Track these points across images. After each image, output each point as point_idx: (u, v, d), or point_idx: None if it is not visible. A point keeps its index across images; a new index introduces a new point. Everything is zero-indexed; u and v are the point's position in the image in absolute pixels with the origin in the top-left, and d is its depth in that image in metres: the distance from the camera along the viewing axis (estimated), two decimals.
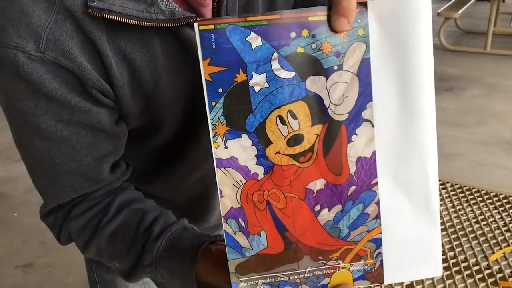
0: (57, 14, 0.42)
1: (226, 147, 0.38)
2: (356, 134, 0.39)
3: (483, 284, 0.80)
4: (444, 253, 0.87)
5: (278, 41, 0.36)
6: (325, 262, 0.42)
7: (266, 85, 0.37)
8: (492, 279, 0.81)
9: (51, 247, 1.82)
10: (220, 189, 0.39)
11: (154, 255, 0.48)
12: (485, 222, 0.95)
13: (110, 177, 0.52)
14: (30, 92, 0.43)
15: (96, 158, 0.49)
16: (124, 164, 0.54)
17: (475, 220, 0.96)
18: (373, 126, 0.39)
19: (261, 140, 0.38)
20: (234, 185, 0.39)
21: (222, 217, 0.40)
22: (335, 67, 0.37)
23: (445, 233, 0.92)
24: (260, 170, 0.39)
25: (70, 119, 0.45)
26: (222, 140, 0.38)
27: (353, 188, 0.40)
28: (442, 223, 0.94)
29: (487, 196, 1.04)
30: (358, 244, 0.41)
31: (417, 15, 0.36)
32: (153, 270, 0.49)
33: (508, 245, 0.88)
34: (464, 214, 0.98)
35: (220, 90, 0.37)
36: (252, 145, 0.38)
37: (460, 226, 0.94)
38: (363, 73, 0.38)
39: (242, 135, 0.38)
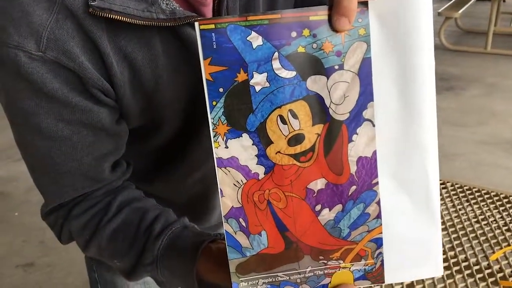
0: (57, 13, 0.42)
1: (226, 147, 0.38)
2: (357, 134, 0.39)
3: (484, 283, 0.80)
4: (444, 252, 0.87)
5: (279, 40, 0.36)
6: (325, 262, 0.42)
7: (267, 84, 0.37)
8: (493, 279, 0.81)
9: (51, 247, 1.82)
10: (220, 189, 0.39)
11: (155, 254, 0.48)
12: (485, 222, 0.95)
13: (110, 176, 0.52)
14: (31, 91, 0.43)
15: (97, 158, 0.49)
16: (124, 163, 0.54)
17: (475, 219, 0.96)
18: (374, 125, 0.39)
19: (262, 139, 0.38)
20: (234, 184, 0.39)
21: (222, 217, 0.40)
22: (336, 67, 0.37)
23: (445, 232, 0.92)
24: (260, 170, 0.39)
25: (71, 119, 0.45)
26: (223, 140, 0.38)
27: (353, 187, 0.40)
28: (443, 223, 0.94)
29: (487, 195, 1.04)
30: (359, 244, 0.41)
31: (418, 14, 0.36)
32: (154, 269, 0.49)
33: (509, 245, 0.88)
34: (465, 214, 0.98)
35: (221, 90, 0.37)
36: (252, 144, 0.38)
37: (461, 226, 0.94)
38: (364, 72, 0.38)
39: (242, 134, 0.38)
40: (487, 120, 2.70)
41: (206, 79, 0.37)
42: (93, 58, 0.44)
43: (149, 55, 0.46)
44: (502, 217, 0.96)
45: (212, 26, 0.36)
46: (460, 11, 3.72)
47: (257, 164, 0.39)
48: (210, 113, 0.37)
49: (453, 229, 0.93)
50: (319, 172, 0.39)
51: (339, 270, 0.42)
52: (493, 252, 0.87)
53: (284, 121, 0.38)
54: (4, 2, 0.42)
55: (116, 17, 0.41)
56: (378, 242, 0.41)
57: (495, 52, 3.72)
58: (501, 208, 0.99)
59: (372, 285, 0.43)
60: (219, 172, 0.39)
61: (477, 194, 1.04)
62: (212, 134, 0.38)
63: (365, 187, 0.40)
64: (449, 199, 1.03)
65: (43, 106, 0.44)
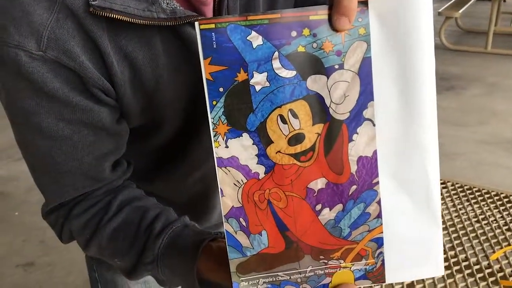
0: (58, 13, 0.42)
1: (227, 147, 0.38)
2: (357, 133, 0.39)
3: (484, 283, 0.80)
4: (444, 252, 0.87)
5: (279, 40, 0.36)
6: (326, 261, 0.42)
7: (267, 84, 0.37)
8: (493, 278, 0.81)
9: (51, 246, 1.82)
10: (221, 189, 0.39)
11: (155, 253, 0.48)
12: (485, 221, 0.95)
13: (111, 175, 0.52)
14: (32, 91, 0.43)
15: (97, 157, 0.49)
16: (125, 162, 0.54)
17: (475, 219, 0.96)
18: (374, 125, 0.39)
19: (262, 139, 0.38)
20: (235, 184, 0.39)
21: (223, 217, 0.40)
22: (336, 66, 0.37)
23: (446, 232, 0.92)
24: (261, 170, 0.39)
25: (72, 118, 0.45)
26: (223, 140, 0.38)
27: (354, 187, 0.40)
28: (443, 222, 0.94)
29: (487, 195, 1.04)
30: (359, 243, 0.41)
31: (418, 13, 0.36)
32: (155, 268, 0.49)
33: (509, 244, 0.88)
34: (465, 213, 0.98)
35: (221, 89, 0.37)
36: (253, 144, 0.38)
37: (461, 225, 0.94)
38: (364, 72, 0.37)
39: (243, 134, 0.38)
40: (487, 120, 2.70)
41: (206, 79, 0.37)
42: (93, 57, 0.44)
43: (150, 54, 0.46)
44: (502, 216, 0.96)
45: (212, 25, 0.35)
46: (461, 10, 3.71)
47: (257, 163, 0.39)
48: (210, 112, 0.37)
49: (453, 228, 0.93)
50: (319, 171, 0.39)
51: (339, 269, 0.42)
52: (494, 252, 0.87)
53: (284, 121, 0.38)
54: (5, 1, 0.42)
55: (116, 16, 0.41)
56: (379, 242, 0.41)
57: (495, 52, 3.72)
58: (501, 208, 0.99)
59: (373, 284, 0.43)
60: (219, 172, 0.39)
61: (477, 193, 1.04)
62: (212, 133, 0.38)
63: (365, 186, 0.40)
64: (449, 198, 1.03)
65: (44, 105, 0.44)
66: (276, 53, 0.36)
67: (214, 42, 0.36)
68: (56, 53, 0.42)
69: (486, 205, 1.00)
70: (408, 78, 0.38)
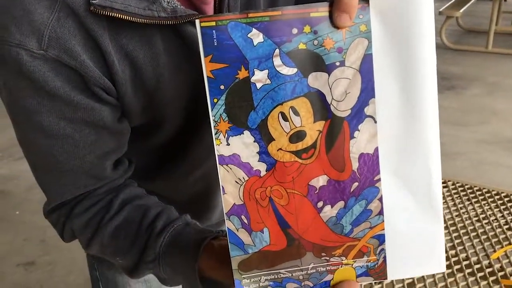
0: (59, 12, 0.42)
1: (228, 144, 0.38)
2: (359, 130, 0.39)
3: (485, 282, 0.80)
4: (445, 251, 0.87)
5: (280, 37, 0.36)
6: (328, 258, 0.42)
7: (268, 81, 0.37)
8: (494, 277, 0.81)
9: (52, 246, 1.83)
10: (222, 186, 0.39)
11: (156, 251, 0.48)
12: (486, 221, 0.95)
13: (112, 174, 0.52)
14: (33, 89, 0.43)
15: (99, 156, 0.49)
16: (126, 161, 0.54)
17: (476, 218, 0.96)
18: (375, 122, 0.39)
19: (263, 136, 0.38)
20: (236, 182, 0.39)
21: (224, 214, 0.40)
22: (337, 63, 0.37)
23: (446, 231, 0.92)
24: (262, 167, 0.39)
25: (73, 117, 0.45)
26: (224, 137, 0.38)
27: (355, 184, 0.40)
28: (444, 222, 0.94)
29: (488, 194, 1.04)
30: (361, 240, 0.41)
31: (419, 10, 0.36)
32: (156, 266, 0.49)
33: (510, 243, 0.88)
34: (466, 213, 0.98)
35: (222, 87, 0.37)
36: (254, 141, 0.38)
37: (462, 225, 0.94)
38: (365, 69, 0.37)
39: (244, 132, 0.38)
40: (488, 119, 2.70)
41: (207, 77, 0.37)
42: (94, 56, 0.44)
43: (151, 53, 0.46)
44: (503, 215, 0.96)
45: (213, 23, 0.36)
46: (461, 10, 3.71)
47: (258, 161, 0.39)
48: (211, 110, 0.37)
49: (454, 227, 0.93)
50: (320, 169, 0.39)
51: (341, 266, 0.42)
52: (494, 251, 0.87)
53: (285, 118, 0.38)
54: (6, 0, 0.42)
55: (117, 15, 0.41)
56: (381, 239, 0.41)
57: (496, 51, 3.72)
58: (502, 207, 0.99)
59: (374, 281, 0.43)
60: (220, 170, 0.39)
61: (478, 193, 1.04)
62: (213, 131, 0.38)
63: (367, 183, 0.40)
64: (450, 198, 1.03)
65: (45, 104, 0.44)
66: (277, 51, 0.36)
67: (215, 40, 0.36)
68: (57, 52, 0.42)
69: (486, 204, 1.00)
70: (410, 75, 0.38)
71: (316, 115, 0.38)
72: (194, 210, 0.59)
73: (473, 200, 1.02)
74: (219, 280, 0.46)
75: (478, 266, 0.84)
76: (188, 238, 0.49)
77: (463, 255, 0.86)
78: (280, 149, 0.39)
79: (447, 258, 0.85)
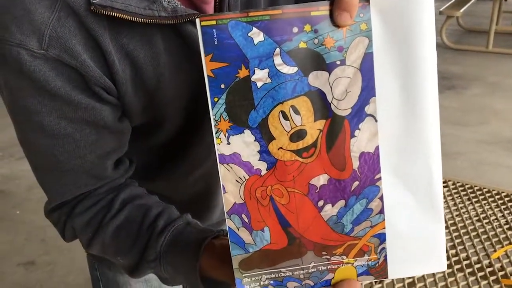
0: (59, 11, 0.42)
1: (228, 143, 0.38)
2: (359, 129, 0.39)
3: (485, 282, 0.80)
4: (446, 250, 0.87)
5: (281, 36, 0.36)
6: (328, 257, 0.42)
7: (269, 80, 0.37)
8: (494, 277, 0.81)
9: (52, 245, 1.83)
10: (223, 185, 0.39)
11: (158, 251, 0.48)
12: (486, 220, 0.95)
13: (113, 174, 0.52)
14: (34, 89, 0.43)
15: (99, 155, 0.49)
16: (127, 160, 0.54)
17: (476, 218, 0.96)
18: (376, 121, 0.39)
19: (264, 135, 0.38)
20: (237, 181, 0.39)
21: (225, 213, 0.40)
22: (338, 62, 0.37)
23: (447, 231, 0.92)
24: (263, 166, 0.39)
25: (74, 117, 0.45)
26: (225, 136, 0.38)
27: (356, 183, 0.40)
28: (444, 221, 0.94)
29: (488, 194, 1.04)
30: (362, 239, 0.41)
31: (419, 8, 0.36)
32: (157, 266, 0.49)
33: (510, 243, 0.88)
34: (466, 212, 0.98)
35: (222, 86, 0.37)
36: (254, 140, 0.38)
37: (462, 224, 0.94)
38: (366, 67, 0.37)
39: (244, 131, 0.38)
40: (488, 119, 2.70)
41: (208, 76, 0.37)
42: (95, 56, 0.44)
43: (151, 53, 0.46)
44: (503, 215, 0.96)
45: (213, 22, 0.36)
46: (462, 10, 3.71)
47: (259, 160, 0.39)
48: (212, 109, 0.37)
49: (454, 227, 0.93)
50: (321, 167, 0.39)
51: (342, 265, 0.42)
52: (495, 251, 0.87)
53: (286, 117, 0.38)
54: (6, 0, 0.42)
55: (118, 15, 0.41)
56: (381, 238, 0.41)
57: (496, 51, 3.72)
58: (502, 207, 0.99)
59: (375, 280, 0.43)
60: (221, 168, 0.39)
61: (478, 192, 1.04)
62: (214, 130, 0.38)
63: (367, 182, 0.40)
64: (450, 197, 1.03)
65: (46, 104, 0.44)
66: (278, 49, 0.36)
67: (215, 39, 0.36)
68: (57, 51, 0.42)
69: (487, 204, 1.00)
70: (410, 74, 0.38)
71: (316, 114, 0.38)
72: (194, 210, 0.59)
73: (474, 200, 1.02)
74: (220, 279, 0.46)
75: (478, 265, 0.84)
76: (189, 237, 0.49)
77: (463, 255, 0.86)
78: (281, 148, 0.39)
79: (448, 258, 0.85)
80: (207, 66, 0.36)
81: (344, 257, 0.42)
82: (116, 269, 0.69)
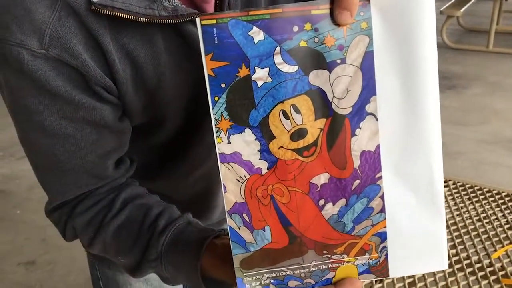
0: (60, 11, 0.42)
1: (229, 142, 0.38)
2: (360, 128, 0.39)
3: (485, 281, 0.80)
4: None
5: (281, 35, 0.36)
6: (329, 256, 0.42)
7: (269, 79, 0.37)
8: (494, 277, 0.81)
9: (53, 245, 1.83)
10: (223, 184, 0.39)
11: (159, 250, 0.48)
12: (487, 220, 0.95)
13: (114, 173, 0.52)
14: (34, 89, 0.43)
15: (100, 155, 0.49)
16: (128, 160, 0.54)
17: (477, 218, 0.96)
18: (377, 119, 0.39)
19: (265, 134, 0.38)
20: (237, 180, 0.39)
21: (226, 212, 0.40)
22: (338, 61, 0.37)
23: (447, 230, 0.92)
24: (263, 165, 0.39)
25: (74, 116, 0.45)
26: (225, 135, 0.38)
27: (357, 182, 0.40)
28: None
29: (489, 194, 1.04)
30: (363, 238, 0.41)
31: (420, 7, 0.36)
32: (159, 265, 0.49)
33: (510, 243, 0.88)
34: (467, 212, 0.98)
35: (223, 85, 0.37)
36: (255, 140, 0.38)
37: (463, 224, 0.94)
38: (367, 66, 0.37)
39: (245, 130, 0.38)
40: (488, 119, 2.69)
41: (208, 75, 0.37)
42: (95, 55, 0.44)
43: (151, 52, 0.46)
44: (504, 215, 0.96)
45: (214, 21, 0.35)
46: (462, 9, 3.71)
47: (260, 159, 0.39)
48: (212, 108, 0.37)
49: (455, 227, 0.93)
50: (322, 166, 0.39)
51: (343, 264, 0.42)
52: (495, 250, 0.87)
53: (286, 116, 0.38)
54: (7, 0, 0.42)
55: (118, 14, 0.41)
56: (382, 236, 0.41)
57: (497, 51, 3.72)
58: (503, 206, 0.99)
59: (376, 279, 0.43)
60: (222, 168, 0.39)
61: (479, 192, 1.04)
62: (214, 129, 0.38)
63: (368, 181, 0.40)
64: (451, 197, 1.03)
65: (47, 103, 0.44)
66: (278, 48, 0.36)
67: (216, 38, 0.36)
68: (58, 51, 0.42)
69: (487, 203, 1.00)
70: (411, 72, 0.38)
71: (317, 113, 0.38)
72: (194, 210, 0.59)
73: (474, 200, 1.02)
74: (221, 279, 0.46)
75: (479, 265, 0.84)
76: (190, 237, 0.49)
77: (464, 254, 0.86)
78: (282, 147, 0.39)
79: (448, 257, 0.85)
80: (208, 65, 0.36)
81: (345, 255, 0.42)
82: (116, 268, 0.69)
